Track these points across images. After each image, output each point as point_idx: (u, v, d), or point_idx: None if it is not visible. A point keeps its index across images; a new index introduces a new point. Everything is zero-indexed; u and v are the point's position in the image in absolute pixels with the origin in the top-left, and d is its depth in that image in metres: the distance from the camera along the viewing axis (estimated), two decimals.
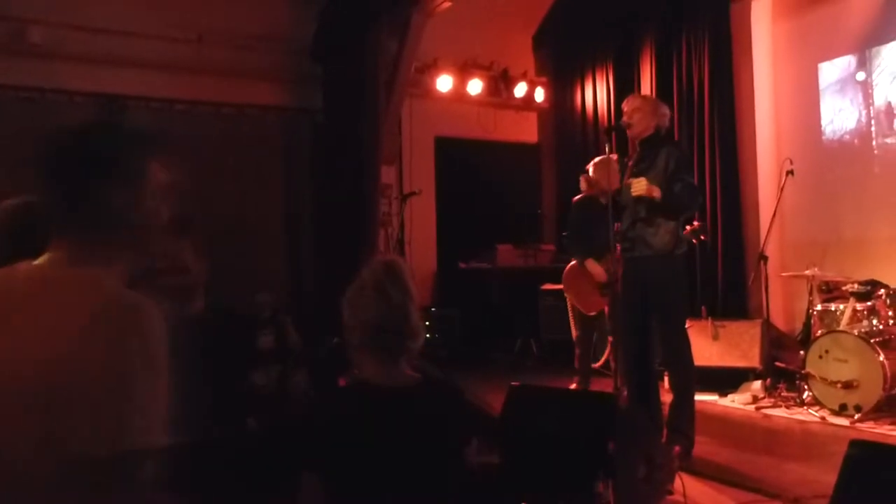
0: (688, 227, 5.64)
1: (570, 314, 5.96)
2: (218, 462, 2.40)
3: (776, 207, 5.69)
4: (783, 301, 6.55)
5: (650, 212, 4.10)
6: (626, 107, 4.30)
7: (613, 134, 4.42)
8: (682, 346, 4.23)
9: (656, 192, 4.01)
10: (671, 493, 3.45)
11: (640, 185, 4.02)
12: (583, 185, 4.28)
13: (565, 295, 5.92)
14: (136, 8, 6.84)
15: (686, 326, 4.37)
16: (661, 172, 4.10)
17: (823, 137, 6.62)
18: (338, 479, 1.87)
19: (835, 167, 6.49)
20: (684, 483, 3.69)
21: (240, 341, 5.29)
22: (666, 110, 4.31)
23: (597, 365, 6.18)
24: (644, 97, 4.53)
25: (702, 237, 5.43)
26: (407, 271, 2.12)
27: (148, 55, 6.89)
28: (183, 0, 7.08)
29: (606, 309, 5.29)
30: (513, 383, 3.53)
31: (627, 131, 4.29)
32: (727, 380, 5.79)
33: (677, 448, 4.05)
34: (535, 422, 3.27)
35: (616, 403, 3.11)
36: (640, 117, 4.20)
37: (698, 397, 5.50)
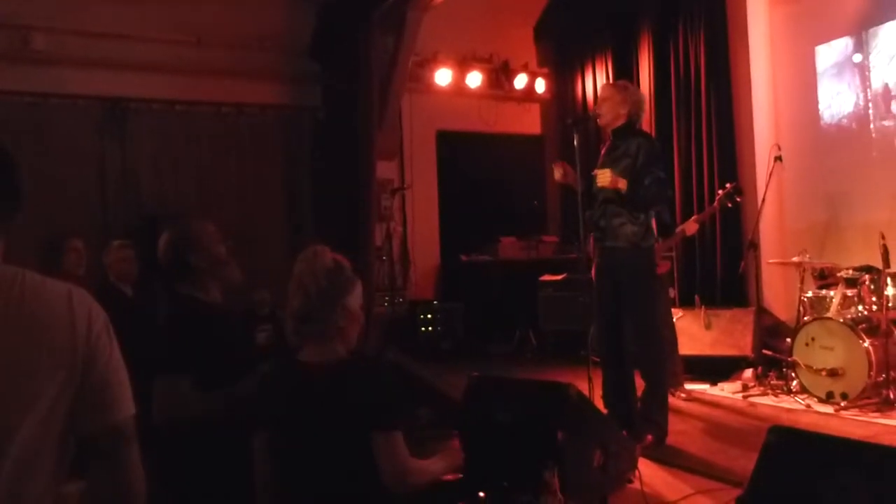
0: (727, 185, 5.33)
1: None
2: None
3: (765, 194, 5.62)
4: (784, 289, 6.46)
5: (618, 203, 4.09)
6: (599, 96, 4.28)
7: (578, 126, 4.34)
8: (652, 337, 4.20)
9: (621, 184, 3.99)
10: (630, 481, 3.46)
11: (604, 177, 4.00)
12: (556, 174, 4.28)
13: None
14: (135, 12, 6.98)
15: (654, 316, 4.31)
16: (631, 163, 4.08)
17: (821, 122, 6.51)
18: (273, 440, 2.15)
19: (833, 152, 6.38)
20: (651, 472, 3.73)
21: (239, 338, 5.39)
22: (639, 98, 4.24)
23: None
24: (615, 86, 4.46)
25: (737, 199, 5.33)
26: (326, 257, 2.25)
27: (148, 58, 7.03)
28: (182, 2, 7.20)
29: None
30: (472, 374, 3.57)
31: (598, 121, 4.27)
32: (720, 369, 5.75)
33: (649, 437, 4.06)
34: (492, 412, 3.31)
35: (567, 393, 3.12)
36: (609, 107, 4.17)
37: (690, 386, 5.52)
